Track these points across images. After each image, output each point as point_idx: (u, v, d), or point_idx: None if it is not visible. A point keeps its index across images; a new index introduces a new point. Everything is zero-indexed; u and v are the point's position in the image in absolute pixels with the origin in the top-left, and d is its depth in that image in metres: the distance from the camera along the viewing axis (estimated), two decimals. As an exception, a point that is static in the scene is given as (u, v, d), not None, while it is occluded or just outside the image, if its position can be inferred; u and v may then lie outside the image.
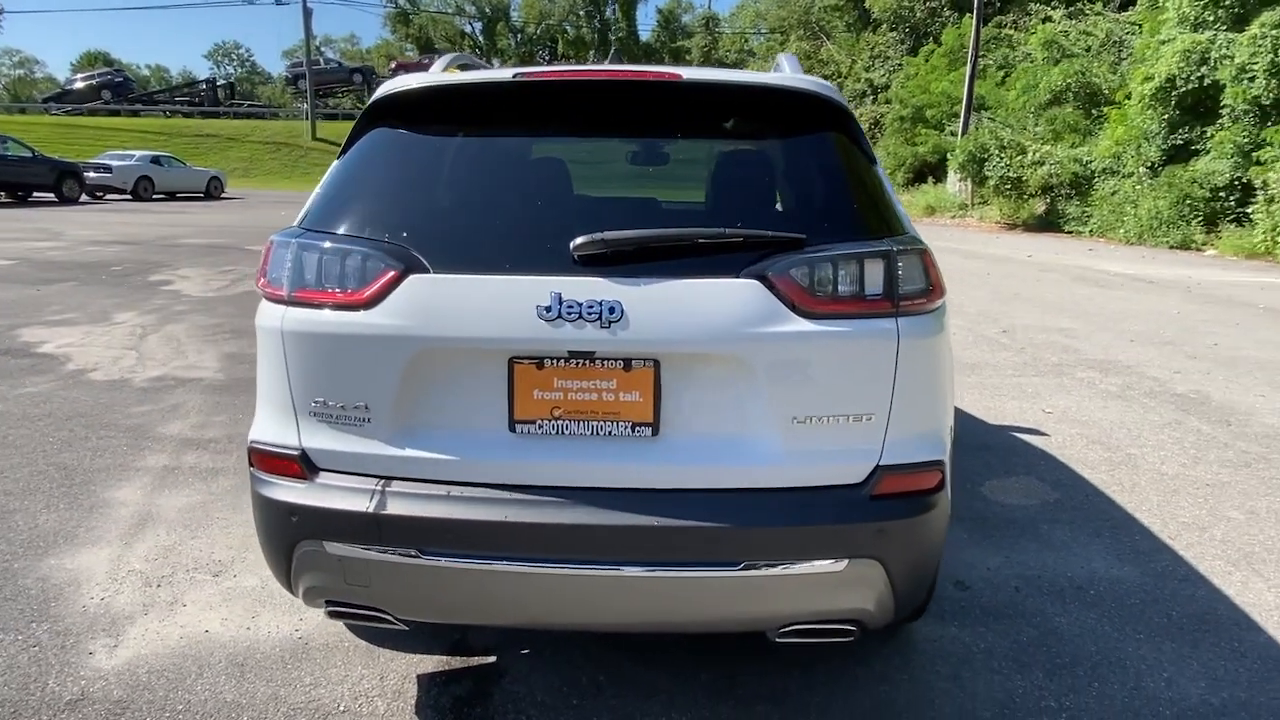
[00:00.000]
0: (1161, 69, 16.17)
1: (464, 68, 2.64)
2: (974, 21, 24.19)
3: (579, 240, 1.77)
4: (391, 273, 1.82)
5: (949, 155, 24.45)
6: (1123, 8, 25.36)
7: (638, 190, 2.07)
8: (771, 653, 2.53)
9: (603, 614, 1.93)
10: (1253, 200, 14.70)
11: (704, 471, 1.81)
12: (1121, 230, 16.80)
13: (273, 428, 1.97)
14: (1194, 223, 15.59)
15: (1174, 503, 3.76)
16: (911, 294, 1.82)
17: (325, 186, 2.09)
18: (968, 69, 24.22)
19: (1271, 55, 14.66)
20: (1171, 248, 15.58)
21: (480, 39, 58.31)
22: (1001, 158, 19.60)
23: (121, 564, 3.06)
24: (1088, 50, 23.10)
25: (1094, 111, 20.41)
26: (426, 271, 1.81)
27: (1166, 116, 16.50)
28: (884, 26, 37.23)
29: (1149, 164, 17.00)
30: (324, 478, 1.91)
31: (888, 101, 34.84)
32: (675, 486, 1.80)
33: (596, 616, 1.95)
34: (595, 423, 1.82)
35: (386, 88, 2.15)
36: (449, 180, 2.05)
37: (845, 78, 38.49)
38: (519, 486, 1.83)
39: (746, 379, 1.79)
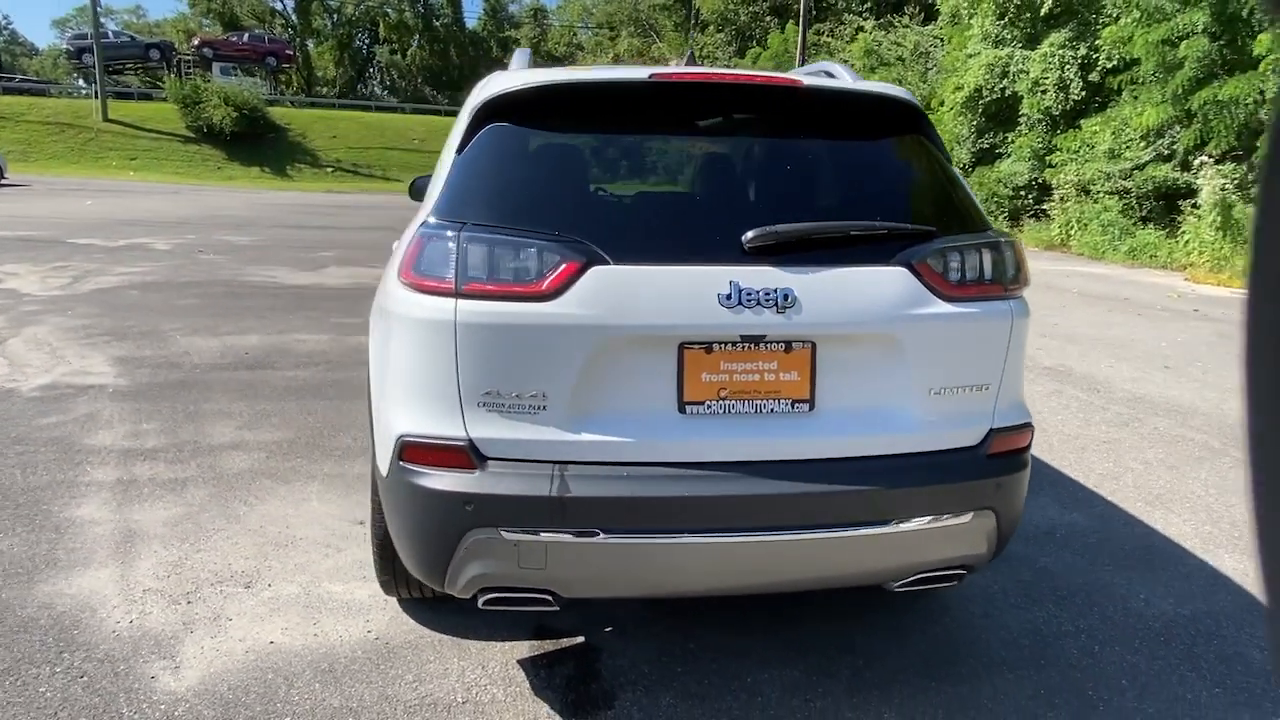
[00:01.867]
0: (970, 80, 18.04)
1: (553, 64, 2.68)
2: (800, 29, 25.76)
3: (752, 233, 1.92)
4: (573, 264, 1.88)
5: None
6: (926, 21, 27.87)
7: (765, 186, 2.23)
8: (832, 609, 2.78)
9: (767, 577, 2.09)
10: (1049, 198, 16.77)
11: (855, 441, 2.01)
12: (940, 224, 18.61)
13: (429, 420, 1.96)
14: (1000, 218, 17.54)
15: (1086, 458, 4.39)
16: (1016, 279, 2.12)
17: (455, 179, 2.09)
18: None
19: (1059, 71, 16.77)
20: (983, 240, 17.47)
21: (293, 17, 54.70)
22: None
23: (131, 584, 2.83)
24: (900, 60, 25.24)
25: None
26: (606, 263, 1.89)
27: (975, 123, 18.44)
28: (711, 28, 38.75)
29: (961, 165, 18.90)
30: (494, 466, 1.93)
31: (718, 100, 36.30)
32: (831, 456, 2.00)
33: (761, 579, 2.11)
34: (758, 401, 1.97)
35: (510, 84, 2.16)
36: (602, 175, 2.11)
37: (676, 75, 39.68)
38: (690, 464, 1.95)
39: (894, 356, 2.01)
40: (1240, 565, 3.22)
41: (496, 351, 1.90)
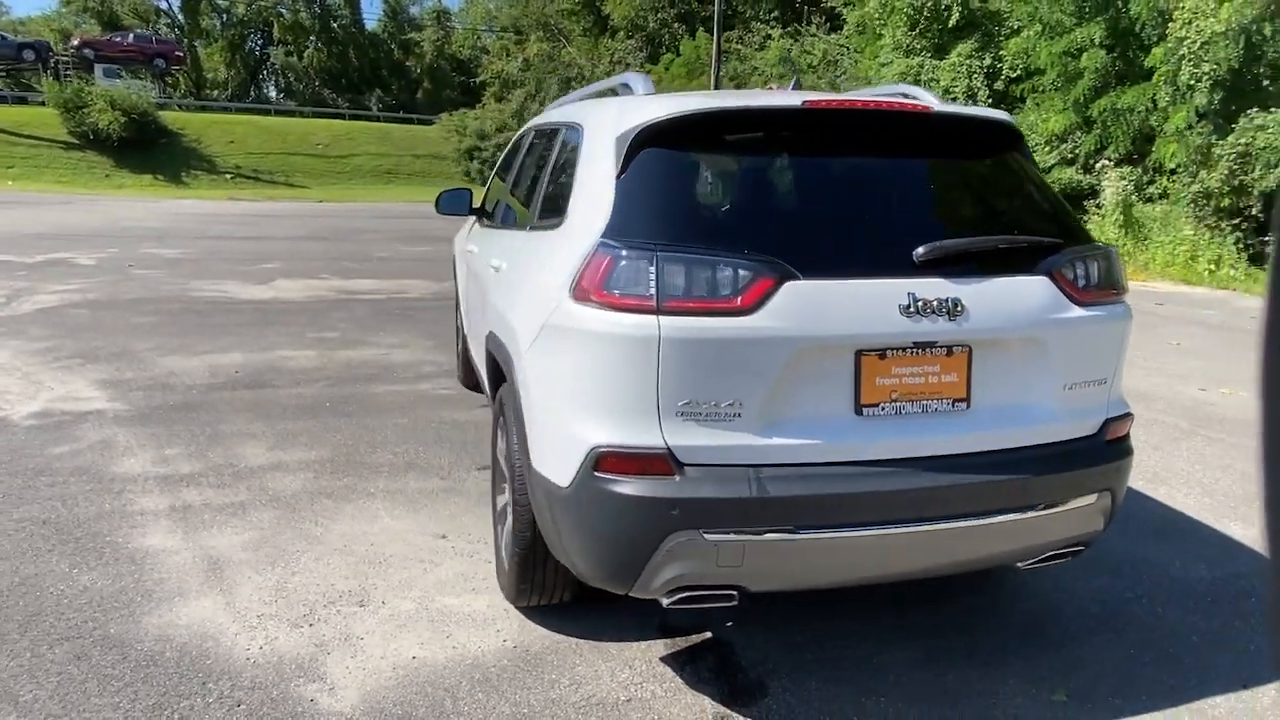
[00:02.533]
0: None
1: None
2: (715, 37, 26.33)
3: (923, 248, 2.10)
4: (768, 280, 2.02)
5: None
6: (832, 30, 28.95)
7: (914, 203, 2.42)
8: (924, 595, 3.00)
9: (931, 563, 2.28)
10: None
11: (1005, 435, 2.23)
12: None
13: (627, 430, 2.06)
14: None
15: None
16: (1123, 283, 2.39)
17: (621, 202, 2.19)
18: (711, 81, 26.30)
19: (967, 80, 17.78)
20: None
21: (179, 17, 52.04)
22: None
23: (242, 610, 2.79)
24: (811, 68, 26.15)
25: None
26: (797, 278, 2.03)
27: (890, 128, 19.31)
28: (621, 34, 39.06)
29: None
30: (692, 472, 2.05)
31: (631, 105, 36.65)
32: (985, 449, 2.21)
33: (926, 565, 2.30)
34: (924, 402, 2.16)
35: (667, 110, 2.26)
36: (769, 195, 2.26)
37: (589, 81, 39.80)
38: (868, 463, 2.12)
39: (1038, 357, 2.24)
40: (1248, 533, 3.62)
41: (698, 364, 2.02)
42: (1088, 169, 15.18)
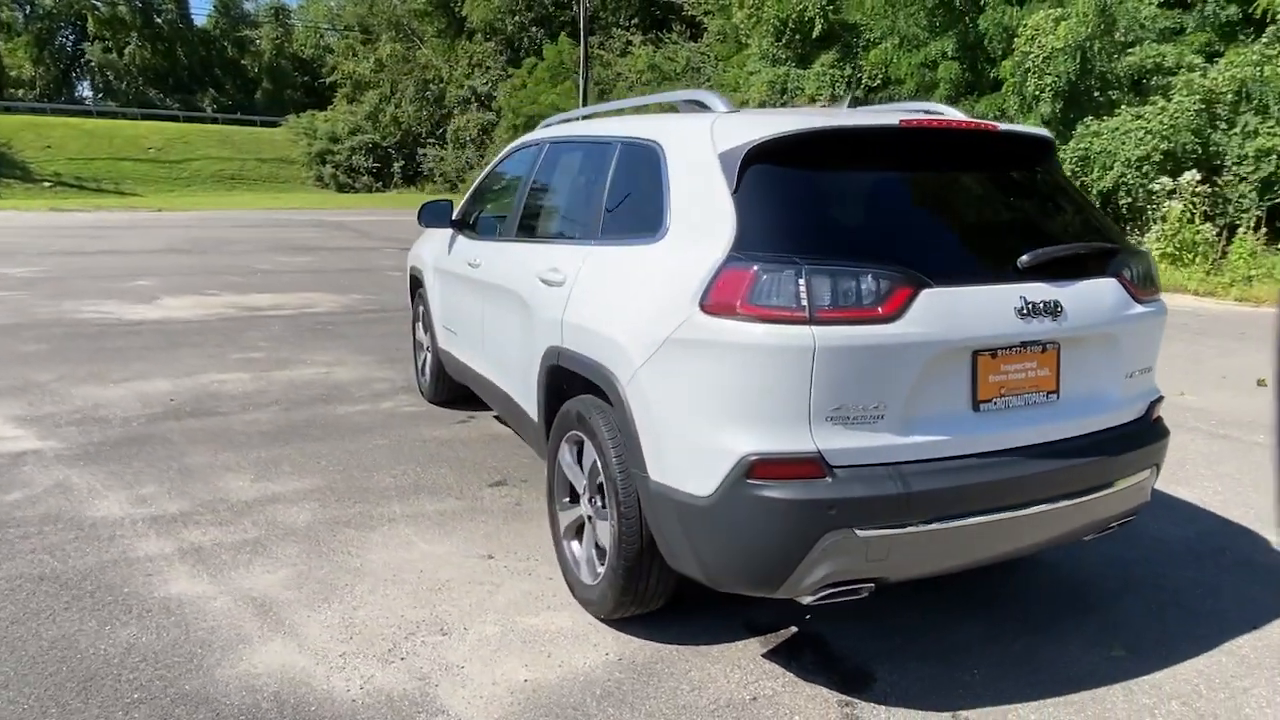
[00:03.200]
0: (754, 96, 19.68)
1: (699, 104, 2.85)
2: (580, 43, 26.51)
3: (1028, 255, 2.31)
4: (907, 289, 2.15)
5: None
6: (693, 38, 29.79)
7: (1001, 212, 2.62)
8: (963, 576, 3.24)
9: (1035, 539, 2.49)
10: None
11: (1087, 421, 2.47)
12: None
13: (777, 437, 2.15)
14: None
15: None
16: (1159, 283, 2.70)
17: (744, 217, 2.26)
18: (580, 85, 26.47)
19: (830, 89, 18.83)
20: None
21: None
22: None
23: (320, 651, 2.65)
24: (676, 75, 26.80)
25: (695, 126, 23.94)
26: (931, 286, 2.18)
27: (762, 133, 20.15)
28: (479, 36, 38.49)
29: (751, 172, 20.61)
30: (842, 473, 2.16)
31: (494, 110, 36.26)
32: (1072, 435, 2.44)
33: (1031, 541, 2.50)
34: (1024, 395, 2.37)
35: (775, 129, 2.36)
36: (879, 208, 2.39)
37: (448, 84, 38.98)
38: (986, 454, 2.30)
39: (1110, 350, 2.50)
40: (1195, 494, 4.11)
41: (848, 370, 2.13)
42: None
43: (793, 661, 2.66)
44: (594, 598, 2.79)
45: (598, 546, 2.83)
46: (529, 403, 3.34)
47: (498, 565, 3.26)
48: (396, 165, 41.30)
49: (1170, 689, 2.53)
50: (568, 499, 3.08)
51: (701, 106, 2.85)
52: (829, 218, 2.40)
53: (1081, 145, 13.40)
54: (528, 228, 3.69)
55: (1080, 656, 2.71)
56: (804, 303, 2.11)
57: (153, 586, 3.02)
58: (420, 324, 5.44)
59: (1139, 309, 2.55)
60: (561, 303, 2.94)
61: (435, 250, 4.87)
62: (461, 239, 4.45)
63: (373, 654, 2.64)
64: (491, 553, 3.36)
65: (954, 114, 2.96)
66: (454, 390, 5.21)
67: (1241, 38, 13.63)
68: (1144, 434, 2.62)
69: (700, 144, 2.52)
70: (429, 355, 5.35)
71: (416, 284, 5.46)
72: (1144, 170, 12.83)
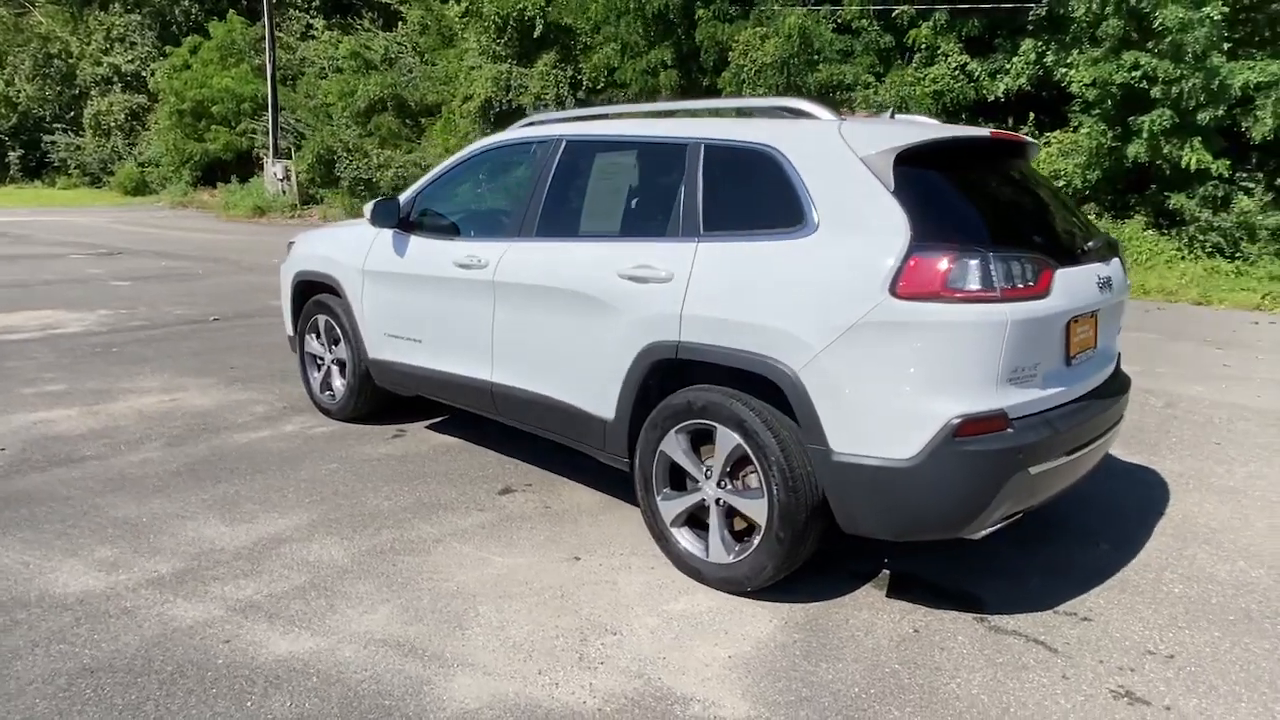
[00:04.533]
0: (480, 91, 19.59)
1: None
2: (267, 23, 24.18)
3: (1092, 241, 2.94)
4: (1050, 270, 2.66)
5: (262, 153, 24.42)
6: (387, 26, 28.55)
7: (1048, 205, 3.19)
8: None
9: (1095, 465, 3.13)
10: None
11: (1108, 369, 3.21)
12: (472, 224, 19.95)
13: (977, 400, 2.55)
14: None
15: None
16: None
17: (913, 210, 2.61)
18: (268, 70, 24.18)
19: (555, 89, 19.38)
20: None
21: None
22: (350, 160, 20.73)
23: (516, 672, 2.54)
24: (375, 66, 25.56)
25: (408, 121, 23.07)
26: (1058, 268, 2.71)
27: (488, 130, 20.08)
28: (117, 6, 33.18)
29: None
30: (1017, 424, 2.62)
31: (146, 92, 31.61)
32: (1106, 380, 3.16)
33: (1094, 467, 3.13)
34: (1085, 351, 3.02)
35: (917, 137, 2.74)
36: (1002, 202, 2.86)
37: (80, 60, 33.09)
38: (1079, 398, 2.91)
39: (1118, 313, 3.24)
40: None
41: (1024, 338, 2.59)
42: (673, 170, 17.85)
43: (915, 596, 3.09)
44: (741, 574, 2.97)
45: (731, 528, 3.01)
46: (598, 401, 3.36)
47: (592, 564, 3.26)
48: (14, 155, 34.17)
49: (1138, 562, 3.38)
50: (668, 489, 3.20)
51: (791, 112, 3.14)
52: (972, 212, 2.85)
53: (792, 148, 15.39)
54: (560, 226, 3.65)
55: (1078, 554, 3.46)
56: (996, 285, 2.54)
57: (251, 652, 2.60)
58: (319, 336, 4.94)
59: (1126, 281, 3.35)
60: (673, 298, 3.03)
61: (362, 253, 4.48)
62: (424, 240, 4.19)
63: (570, 664, 2.59)
64: (575, 554, 3.34)
65: (930, 121, 3.56)
66: (376, 404, 4.85)
67: (899, 61, 16.57)
68: (1126, 379, 3.44)
69: (834, 148, 2.82)
70: (335, 369, 4.90)
71: (313, 291, 4.95)
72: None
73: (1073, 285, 2.83)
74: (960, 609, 3.00)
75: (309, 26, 30.48)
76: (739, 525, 3.05)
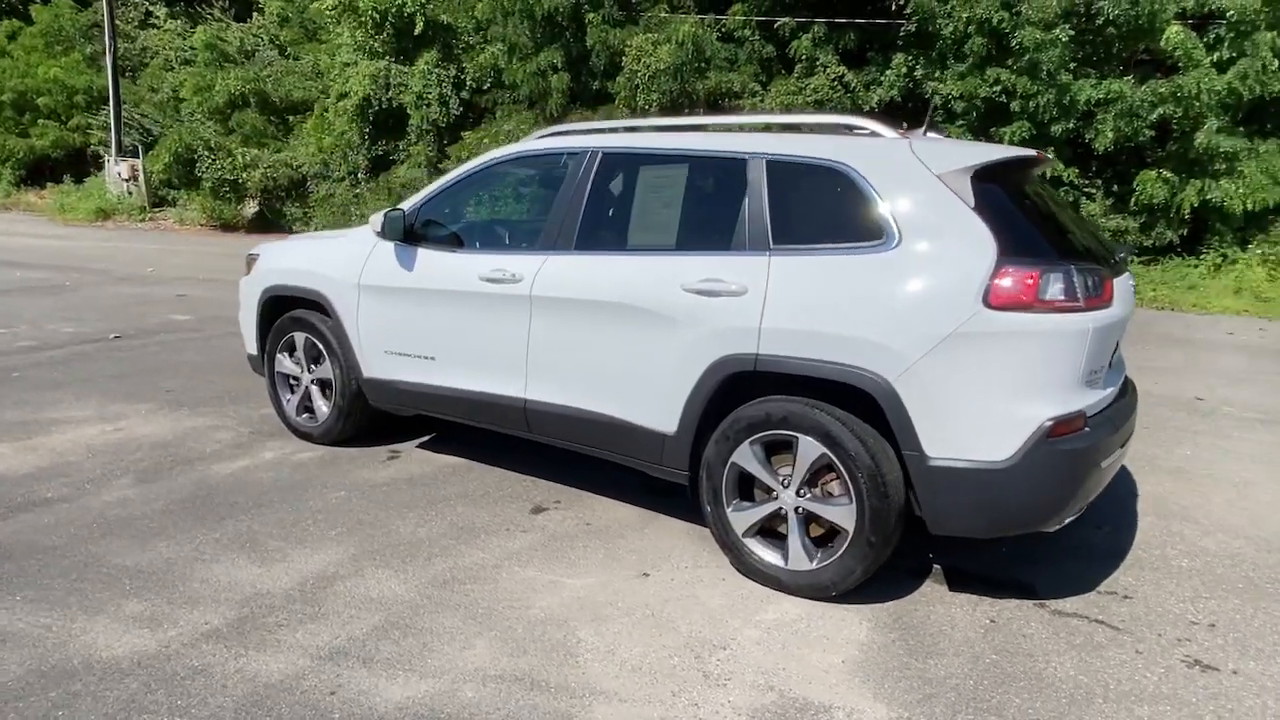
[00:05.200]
0: (357, 89, 18.73)
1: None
2: (105, 10, 22.15)
3: (1122, 252, 3.21)
4: (1110, 280, 2.89)
5: (102, 150, 22.37)
6: (240, 17, 26.75)
7: (1074, 218, 3.41)
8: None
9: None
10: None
11: (1123, 371, 3.51)
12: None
13: (1066, 402, 2.75)
14: (412, 220, 18.98)
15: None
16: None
17: (997, 225, 2.78)
18: (109, 60, 22.16)
19: (439, 89, 18.85)
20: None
21: None
22: (213, 160, 19.30)
23: (654, 697, 2.51)
24: (229, 59, 23.95)
25: (273, 118, 21.74)
26: (1112, 279, 2.95)
27: (367, 130, 19.26)
28: (-92, -18, 29.30)
29: (357, 170, 19.57)
30: (1091, 422, 2.84)
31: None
32: (1122, 380, 3.46)
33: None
34: (1116, 353, 3.30)
35: (991, 155, 2.93)
36: (1055, 218, 3.05)
37: None
38: (1113, 396, 3.18)
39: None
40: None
41: (1097, 343, 2.81)
42: (566, 174, 17.77)
43: (975, 588, 3.27)
44: (826, 579, 3.04)
45: (810, 535, 3.09)
46: (657, 414, 3.35)
47: (663, 579, 3.25)
48: None
49: (1140, 541, 3.74)
50: (738, 499, 3.24)
51: (860, 130, 3.25)
52: (1038, 226, 3.04)
53: (687, 153, 15.69)
54: (604, 239, 3.60)
55: (1096, 539, 3.78)
56: (1078, 295, 2.74)
57: (364, 702, 2.43)
58: (293, 355, 4.63)
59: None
60: (748, 311, 3.07)
61: (356, 267, 4.23)
62: (435, 253, 4.01)
63: (698, 683, 2.58)
64: (642, 571, 3.32)
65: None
66: (363, 425, 4.60)
67: (782, 71, 17.23)
68: (1130, 379, 3.78)
69: (909, 166, 2.95)
70: (316, 389, 4.61)
71: (287, 308, 4.63)
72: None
73: (1121, 293, 3.09)
74: (1018, 597, 3.21)
75: (149, 14, 28.14)
76: (814, 532, 3.13)
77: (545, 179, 3.92)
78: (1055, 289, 2.73)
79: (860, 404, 2.96)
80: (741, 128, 3.67)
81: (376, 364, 4.26)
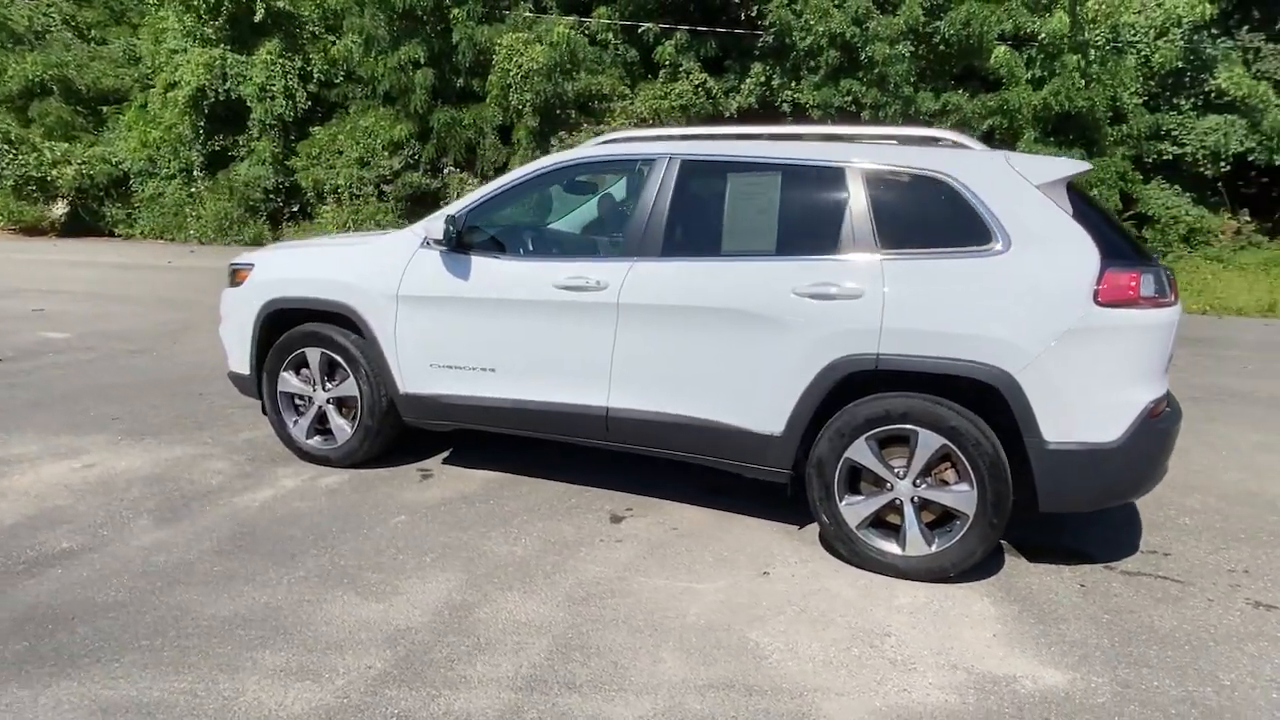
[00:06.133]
0: (189, 78, 17.10)
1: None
2: None
3: (1155, 256, 3.66)
4: (1174, 280, 3.30)
5: None
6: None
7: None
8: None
9: None
10: (296, 200, 17.76)
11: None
12: (189, 231, 17.35)
13: (1156, 387, 3.11)
14: (260, 221, 17.61)
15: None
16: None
17: (1092, 232, 3.09)
18: None
19: (283, 80, 17.59)
20: (248, 244, 17.24)
21: None
22: (13, 154, 16.91)
23: (884, 683, 2.61)
24: (18, 40, 21.14)
25: (81, 109, 19.38)
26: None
27: (202, 124, 17.62)
28: None
29: (191, 167, 17.87)
30: (1167, 405, 3.24)
31: None
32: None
33: None
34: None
35: (1074, 168, 3.23)
36: (1113, 221, 3.39)
37: None
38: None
39: None
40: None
41: (1175, 334, 3.20)
42: (432, 174, 17.14)
43: (1048, 558, 3.60)
44: (947, 561, 3.26)
45: (925, 523, 3.30)
46: (763, 416, 3.43)
47: (784, 575, 3.35)
48: None
49: (1142, 504, 4.28)
50: (849, 493, 3.40)
51: (934, 141, 3.50)
52: (1117, 230, 3.39)
53: (564, 155, 15.64)
54: (694, 246, 3.62)
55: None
56: (1166, 292, 3.12)
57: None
58: (300, 373, 4.28)
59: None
60: (867, 313, 3.22)
61: (394, 276, 3.97)
62: (492, 261, 3.85)
63: (890, 669, 2.71)
64: (761, 569, 3.39)
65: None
66: (390, 445, 4.34)
67: (650, 77, 17.56)
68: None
69: (1008, 177, 3.22)
70: (332, 409, 4.28)
71: (294, 321, 4.26)
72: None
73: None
74: (1085, 562, 3.58)
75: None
76: (926, 518, 3.34)
77: (624, 185, 3.86)
78: (1152, 287, 3.10)
79: (969, 397, 3.20)
80: (826, 138, 3.81)
81: (418, 378, 4.03)
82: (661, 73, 17.43)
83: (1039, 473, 3.16)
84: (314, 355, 4.24)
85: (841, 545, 3.44)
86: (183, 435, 4.76)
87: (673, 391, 3.60)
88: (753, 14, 16.68)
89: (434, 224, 3.81)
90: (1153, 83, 15.84)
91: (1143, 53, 15.58)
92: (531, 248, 3.96)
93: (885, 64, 15.26)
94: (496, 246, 3.96)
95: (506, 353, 3.86)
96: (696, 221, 3.72)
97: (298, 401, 4.39)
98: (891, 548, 3.35)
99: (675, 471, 4.31)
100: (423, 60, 16.54)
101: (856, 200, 3.37)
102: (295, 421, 4.38)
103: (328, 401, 4.29)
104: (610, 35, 17.45)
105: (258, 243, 17.38)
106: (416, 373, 4.03)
